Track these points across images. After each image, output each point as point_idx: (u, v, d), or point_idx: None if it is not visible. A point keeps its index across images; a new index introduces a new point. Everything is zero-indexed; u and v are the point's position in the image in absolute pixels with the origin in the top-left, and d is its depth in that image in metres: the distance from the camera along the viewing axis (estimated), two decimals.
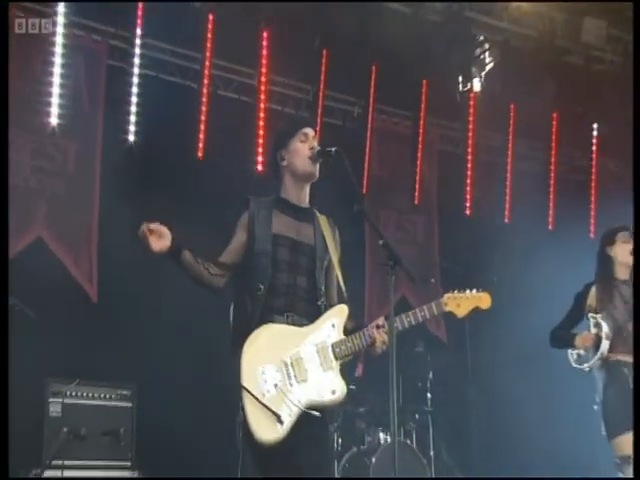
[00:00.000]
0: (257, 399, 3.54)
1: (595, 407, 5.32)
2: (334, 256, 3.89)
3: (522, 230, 8.62)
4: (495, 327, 7.64)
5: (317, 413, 3.54)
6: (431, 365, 7.48)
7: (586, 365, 5.16)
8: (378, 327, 3.66)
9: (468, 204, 8.83)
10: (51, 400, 5.69)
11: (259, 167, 7.65)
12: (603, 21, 8.60)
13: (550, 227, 9.05)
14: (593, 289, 5.33)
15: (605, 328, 5.02)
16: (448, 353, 8.23)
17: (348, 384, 6.77)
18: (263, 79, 7.77)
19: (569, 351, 5.29)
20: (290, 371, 3.60)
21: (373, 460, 6.45)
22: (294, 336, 3.69)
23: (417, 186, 8.66)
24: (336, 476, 6.48)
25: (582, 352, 5.21)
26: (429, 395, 7.36)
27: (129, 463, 5.84)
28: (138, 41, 7.35)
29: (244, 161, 7.76)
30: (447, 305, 3.79)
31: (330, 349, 3.68)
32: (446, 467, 7.40)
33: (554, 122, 9.12)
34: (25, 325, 5.89)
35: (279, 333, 3.68)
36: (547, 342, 5.53)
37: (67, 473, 5.49)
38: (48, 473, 5.44)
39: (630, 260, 5.28)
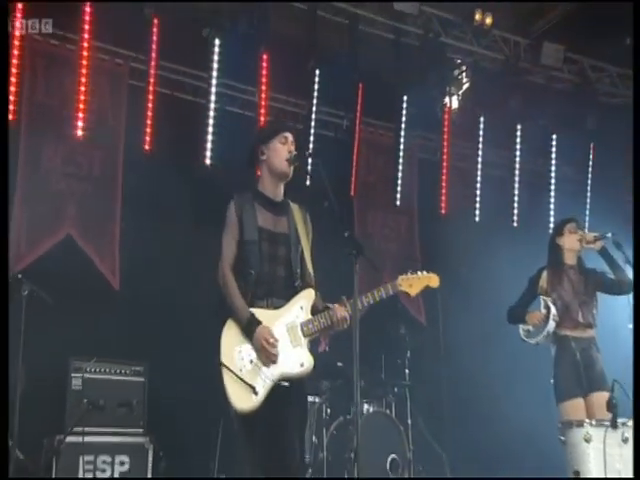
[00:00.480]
0: (234, 373, 3.60)
1: (552, 381, 5.32)
2: (305, 242, 3.90)
3: (490, 227, 8.63)
4: (466, 311, 7.63)
5: (286, 383, 3.61)
6: (410, 345, 7.44)
7: (534, 340, 5.21)
8: (340, 306, 3.68)
9: (443, 204, 8.81)
10: (73, 375, 5.74)
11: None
12: (560, 45, 8.59)
13: (515, 224, 8.97)
14: (545, 273, 5.39)
15: (553, 310, 5.06)
16: (426, 334, 8.18)
17: (336, 362, 6.85)
18: (263, 95, 7.76)
19: (520, 326, 5.35)
20: (265, 346, 3.58)
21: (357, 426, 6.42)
22: (268, 318, 3.69)
23: (398, 189, 8.64)
24: (324, 441, 6.50)
25: (531, 328, 5.25)
26: (407, 371, 7.33)
27: (141, 430, 5.89)
28: (153, 63, 7.34)
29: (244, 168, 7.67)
30: (401, 285, 3.84)
31: (299, 328, 3.72)
32: (421, 434, 7.40)
33: (518, 133, 9.08)
34: (52, 310, 5.89)
35: (259, 317, 3.67)
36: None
37: (87, 439, 5.51)
38: (70, 439, 5.46)
39: (577, 247, 5.38)
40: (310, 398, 6.60)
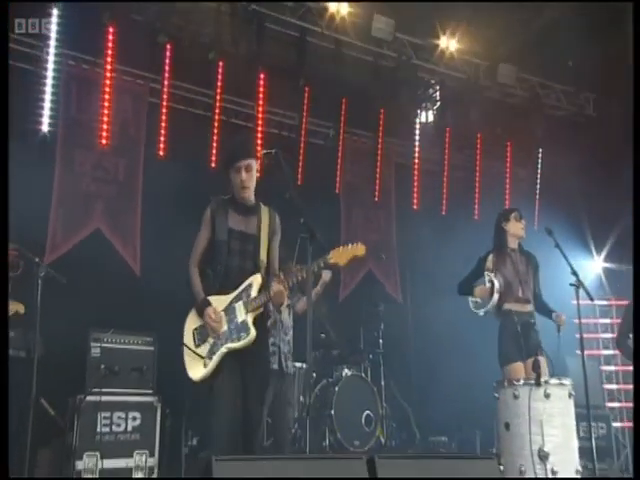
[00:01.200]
0: (189, 349, 3.72)
1: None
2: (270, 239, 3.84)
3: (454, 219, 8.44)
4: (433, 289, 7.51)
5: (239, 353, 3.60)
6: (384, 319, 7.33)
7: (481, 310, 5.06)
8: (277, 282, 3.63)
9: (415, 201, 8.65)
10: (92, 345, 5.65)
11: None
12: (513, 66, 8.50)
13: (476, 217, 8.79)
14: (491, 255, 5.22)
15: (497, 284, 4.92)
16: (401, 310, 8.02)
17: (320, 332, 6.69)
18: (260, 109, 7.69)
19: (469, 299, 5.20)
20: (217, 323, 3.63)
21: (336, 389, 6.42)
22: (221, 301, 3.69)
23: (377, 188, 8.55)
24: (310, 400, 6.39)
25: (479, 300, 5.11)
26: (381, 341, 7.23)
27: (150, 391, 5.81)
28: (166, 82, 7.27)
29: None
30: (332, 258, 3.71)
31: (242, 304, 3.64)
32: (392, 394, 7.32)
33: (478, 141, 8.92)
34: (80, 290, 5.98)
35: (214, 301, 3.69)
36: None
37: (104, 398, 5.47)
38: (90, 398, 5.42)
39: (519, 233, 5.27)
40: (298, 364, 6.51)
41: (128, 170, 7.40)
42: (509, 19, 8.37)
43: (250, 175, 3.78)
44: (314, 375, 6.68)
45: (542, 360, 5.02)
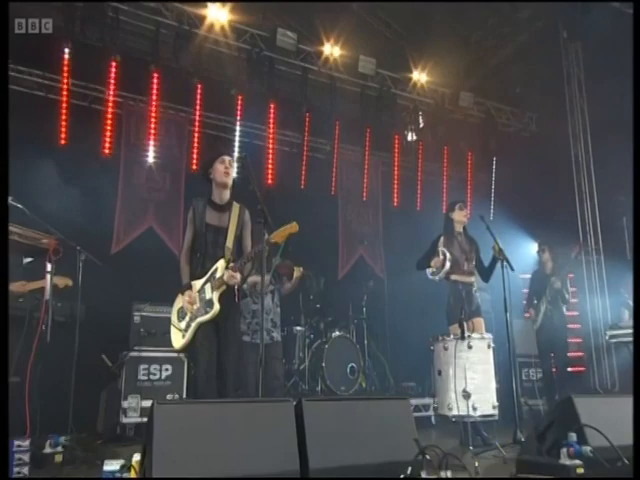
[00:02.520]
0: (173, 325, 3.72)
1: None
2: (239, 232, 3.74)
3: (428, 214, 8.12)
4: (406, 268, 7.32)
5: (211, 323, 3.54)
6: (370, 292, 7.22)
7: (437, 277, 4.96)
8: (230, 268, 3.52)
9: (396, 200, 8.47)
10: (134, 314, 5.64)
11: (269, 181, 7.46)
12: (471, 93, 8.28)
13: (444, 211, 8.52)
14: (442, 237, 5.14)
15: (448, 255, 4.86)
16: (384, 284, 7.83)
17: (316, 304, 6.54)
18: (271, 131, 7.56)
19: (427, 270, 5.09)
20: (192, 303, 3.57)
21: (326, 346, 6.31)
22: (199, 283, 3.61)
23: (365, 190, 8.40)
24: (307, 356, 6.32)
25: (435, 269, 5.00)
26: (364, 309, 7.13)
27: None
28: (198, 113, 7.21)
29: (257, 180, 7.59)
30: (273, 238, 3.58)
31: (209, 285, 3.55)
32: (372, 351, 7.19)
33: (445, 152, 8.69)
34: (129, 273, 6.14)
35: (195, 284, 3.63)
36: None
37: (143, 354, 5.49)
38: (132, 354, 5.44)
39: (462, 219, 5.19)
40: (298, 328, 6.45)
41: (173, 181, 7.36)
42: (468, 57, 8.20)
43: (230, 168, 3.71)
44: (311, 336, 6.57)
45: (480, 320, 4.98)
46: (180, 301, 3.68)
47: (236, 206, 3.78)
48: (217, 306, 3.46)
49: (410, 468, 2.40)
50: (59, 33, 6.38)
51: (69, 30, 6.38)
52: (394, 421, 2.81)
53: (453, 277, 4.95)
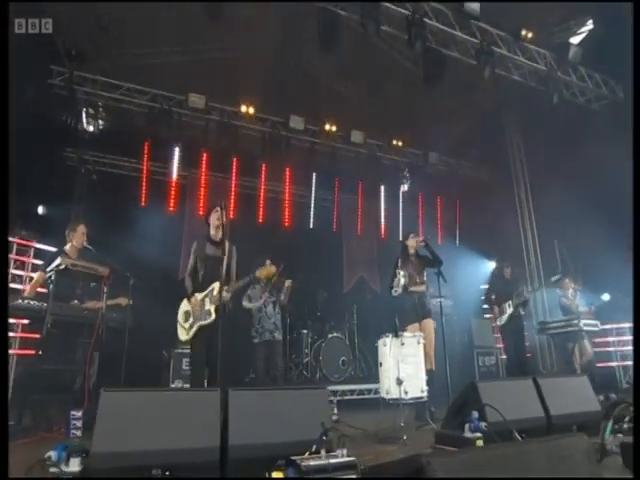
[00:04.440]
0: (180, 324, 3.74)
1: None
2: (226, 261, 3.71)
3: (392, 241, 7.89)
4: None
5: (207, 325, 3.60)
6: (358, 301, 7.15)
7: (397, 293, 4.76)
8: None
9: (383, 232, 8.49)
10: None
11: (286, 224, 7.63)
12: (437, 154, 8.25)
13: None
14: (399, 260, 4.99)
15: (402, 273, 4.71)
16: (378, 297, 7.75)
17: (317, 312, 6.51)
18: (287, 188, 7.84)
19: (391, 289, 4.88)
20: (195, 310, 3.65)
21: (323, 345, 6.34)
22: (200, 295, 3.72)
23: (360, 226, 8.38)
24: (310, 352, 6.29)
25: (396, 289, 4.79)
26: (355, 315, 7.07)
27: None
28: (234, 177, 7.53)
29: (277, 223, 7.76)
30: (258, 274, 3.70)
31: (208, 299, 3.65)
32: (361, 348, 7.06)
33: (420, 198, 8.53)
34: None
35: (197, 295, 3.72)
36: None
37: (184, 350, 5.36)
38: (177, 350, 5.51)
39: (415, 245, 5.01)
40: (304, 330, 6.50)
41: None
42: (440, 129, 8.12)
43: (221, 216, 3.84)
44: (315, 337, 6.56)
45: (430, 321, 4.78)
46: (185, 305, 3.80)
47: (227, 243, 3.84)
48: (214, 315, 3.62)
49: (314, 446, 2.18)
50: (142, 130, 7.05)
51: (149, 129, 7.02)
52: (310, 407, 2.55)
53: (410, 289, 4.85)
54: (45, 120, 6.12)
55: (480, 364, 6.68)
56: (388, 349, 3.94)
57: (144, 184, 6.98)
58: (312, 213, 7.82)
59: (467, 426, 2.89)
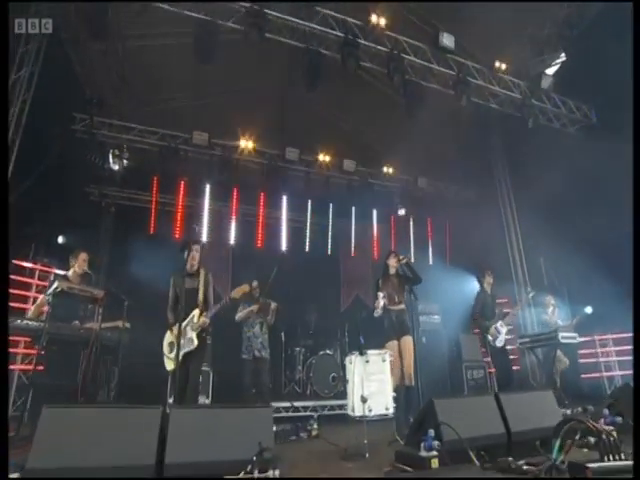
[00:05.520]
0: (165, 354, 3.77)
1: None
2: (203, 289, 3.77)
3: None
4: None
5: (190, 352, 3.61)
6: (350, 319, 7.05)
7: (377, 314, 4.52)
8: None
9: (375, 254, 8.34)
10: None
11: (283, 247, 7.71)
12: (426, 178, 8.32)
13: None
14: (380, 279, 4.76)
15: (382, 295, 4.47)
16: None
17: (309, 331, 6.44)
18: (284, 215, 7.98)
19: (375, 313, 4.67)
20: (180, 338, 3.61)
21: (314, 362, 6.31)
22: (183, 325, 3.70)
23: (353, 249, 8.39)
24: (304, 369, 6.24)
25: (377, 310, 4.53)
26: (347, 333, 6.94)
27: (206, 363, 5.69)
28: (235, 204, 7.68)
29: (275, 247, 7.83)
30: (233, 294, 3.72)
31: (190, 326, 3.67)
32: None
33: (411, 220, 8.41)
34: None
35: (177, 326, 3.68)
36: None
37: None
38: None
39: (395, 264, 4.77)
40: (297, 348, 6.45)
41: (222, 251, 7.79)
42: (428, 154, 8.17)
43: (197, 253, 3.86)
44: (308, 354, 6.53)
45: (408, 338, 4.50)
46: (169, 337, 3.80)
47: (202, 272, 3.82)
48: (196, 342, 3.63)
49: (250, 466, 2.12)
50: (153, 166, 7.40)
51: (159, 165, 7.37)
52: (252, 426, 2.41)
53: (389, 307, 4.67)
54: (71, 160, 6.48)
55: (469, 377, 6.47)
56: (353, 367, 3.84)
57: (153, 214, 7.27)
58: (308, 237, 7.86)
59: (422, 445, 2.77)
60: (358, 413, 3.63)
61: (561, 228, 5.94)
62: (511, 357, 6.59)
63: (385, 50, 6.03)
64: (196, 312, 3.69)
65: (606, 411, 3.21)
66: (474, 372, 6.46)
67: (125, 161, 7.65)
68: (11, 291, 4.83)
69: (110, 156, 7.51)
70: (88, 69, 6.83)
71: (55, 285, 3.96)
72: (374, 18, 5.90)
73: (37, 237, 6.31)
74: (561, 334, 4.91)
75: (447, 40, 6.13)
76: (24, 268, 5.74)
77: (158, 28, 6.41)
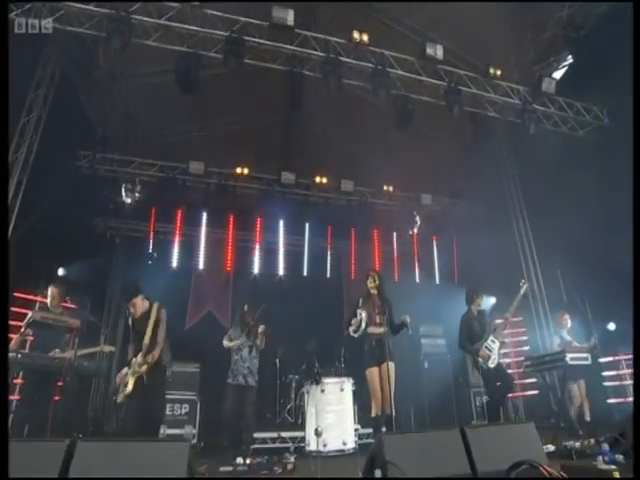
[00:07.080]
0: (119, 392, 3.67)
1: None
2: (152, 328, 3.68)
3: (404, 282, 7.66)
4: None
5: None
6: (348, 344, 6.63)
7: (356, 334, 4.41)
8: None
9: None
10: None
11: (281, 271, 7.65)
12: (429, 195, 8.10)
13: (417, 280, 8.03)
14: (361, 299, 4.63)
15: (364, 315, 4.35)
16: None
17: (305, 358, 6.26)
18: (282, 239, 7.94)
19: (350, 329, 4.51)
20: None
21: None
22: (124, 372, 3.69)
23: (353, 270, 8.24)
24: (297, 397, 6.04)
25: (354, 328, 4.42)
26: (342, 358, 6.76)
27: (194, 393, 5.83)
28: (231, 231, 7.72)
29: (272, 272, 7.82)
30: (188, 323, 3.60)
31: (130, 372, 3.64)
32: None
33: (414, 237, 8.21)
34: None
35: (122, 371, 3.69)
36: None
37: (169, 396, 5.46)
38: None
39: (372, 286, 4.59)
40: (290, 375, 6.27)
41: (222, 279, 7.89)
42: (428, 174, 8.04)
43: (138, 306, 3.76)
44: (301, 382, 6.28)
45: (390, 364, 4.20)
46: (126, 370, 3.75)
47: (154, 307, 3.73)
48: (130, 387, 3.53)
49: None
50: (152, 197, 7.68)
51: (158, 195, 7.64)
52: (166, 462, 2.24)
53: (369, 330, 4.46)
54: (76, 194, 6.79)
55: (477, 404, 6.00)
56: (309, 396, 3.65)
57: (152, 244, 7.48)
58: (306, 261, 7.80)
59: None
60: (312, 448, 3.37)
61: (577, 237, 5.54)
62: (529, 381, 6.15)
63: (370, 66, 6.07)
64: (137, 358, 3.63)
65: (606, 447, 2.82)
66: (483, 398, 5.99)
67: (137, 194, 7.96)
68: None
69: (123, 190, 7.84)
70: (97, 108, 7.35)
71: (29, 316, 4.10)
72: (356, 35, 5.98)
73: (42, 271, 6.64)
74: (569, 355, 4.46)
75: (434, 50, 6.09)
76: (25, 300, 6.00)
77: (160, 66, 6.80)
